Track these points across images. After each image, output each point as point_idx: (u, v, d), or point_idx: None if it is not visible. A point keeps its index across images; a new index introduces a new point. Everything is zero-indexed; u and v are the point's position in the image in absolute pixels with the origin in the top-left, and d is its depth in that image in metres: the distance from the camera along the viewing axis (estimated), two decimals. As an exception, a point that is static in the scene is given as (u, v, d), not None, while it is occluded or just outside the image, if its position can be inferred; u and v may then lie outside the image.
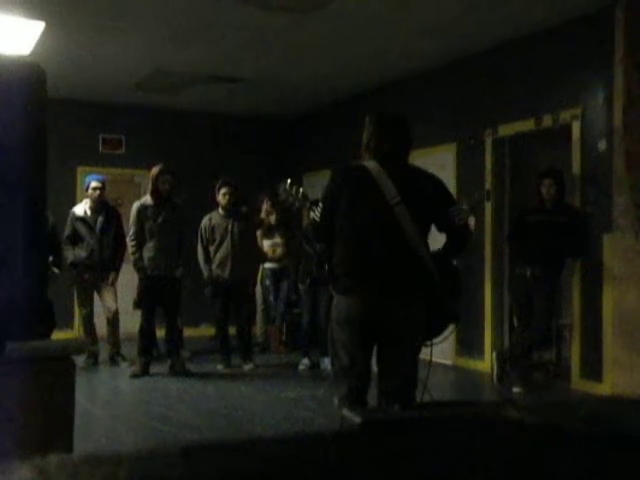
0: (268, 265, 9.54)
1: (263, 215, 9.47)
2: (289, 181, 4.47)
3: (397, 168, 4.03)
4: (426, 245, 4.01)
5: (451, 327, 4.31)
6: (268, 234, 9.44)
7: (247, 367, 8.35)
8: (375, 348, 4.09)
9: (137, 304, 7.97)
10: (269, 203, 9.37)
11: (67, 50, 8.43)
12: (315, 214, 4.11)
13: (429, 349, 4.14)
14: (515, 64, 8.07)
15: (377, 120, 4.14)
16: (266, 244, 9.42)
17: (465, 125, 8.71)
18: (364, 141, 4.13)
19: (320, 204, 4.11)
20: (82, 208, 8.53)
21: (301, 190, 4.42)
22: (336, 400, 4.12)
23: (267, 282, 9.62)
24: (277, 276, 9.55)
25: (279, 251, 9.41)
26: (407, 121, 4.19)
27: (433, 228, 4.16)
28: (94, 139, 11.11)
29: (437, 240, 4.20)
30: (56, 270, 8.10)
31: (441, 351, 4.25)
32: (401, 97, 9.47)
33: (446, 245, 4.17)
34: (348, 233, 3.99)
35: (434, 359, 4.14)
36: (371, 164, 4.00)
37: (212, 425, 5.97)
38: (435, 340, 4.16)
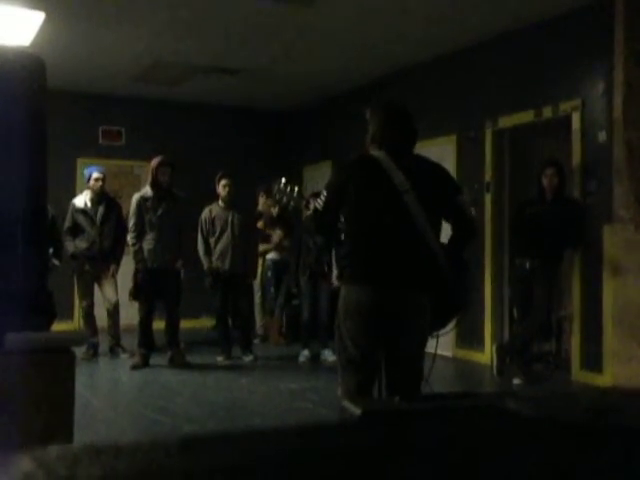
0: (270, 256, 9.56)
1: (261, 208, 9.50)
2: (283, 180, 4.41)
3: (404, 157, 4.01)
4: (437, 234, 3.99)
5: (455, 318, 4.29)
6: (269, 226, 9.47)
7: (247, 359, 8.36)
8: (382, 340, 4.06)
9: (134, 295, 7.97)
10: (265, 197, 9.42)
11: (67, 41, 8.42)
12: (317, 203, 4.07)
13: (432, 341, 4.12)
14: (515, 55, 8.06)
15: (384, 111, 4.12)
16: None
17: (465, 117, 8.71)
18: (370, 132, 4.09)
19: (324, 193, 4.07)
20: (82, 200, 8.53)
21: (296, 189, 4.37)
22: (340, 391, 4.09)
23: (269, 274, 9.64)
24: (279, 268, 9.56)
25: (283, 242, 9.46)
26: (409, 112, 4.18)
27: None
28: (94, 131, 11.11)
29: (445, 234, 4.18)
30: (56, 262, 8.11)
31: (441, 343, 4.22)
32: (401, 89, 9.45)
33: (454, 235, 4.14)
34: (357, 223, 3.97)
35: (432, 350, 4.13)
36: (378, 154, 3.98)
37: (212, 416, 5.98)
38: (442, 331, 4.13)
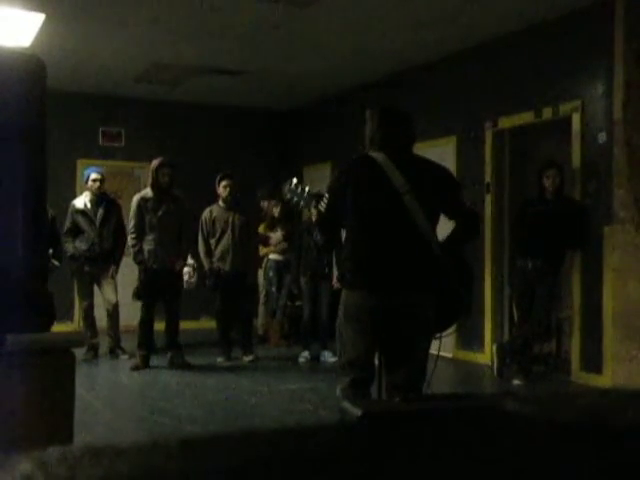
0: (272, 257, 9.58)
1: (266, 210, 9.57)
2: (294, 180, 4.44)
3: (404, 158, 4.01)
4: (435, 234, 3.99)
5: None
6: (270, 227, 9.51)
7: (247, 359, 8.35)
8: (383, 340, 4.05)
9: (137, 295, 7.96)
10: (272, 201, 9.50)
11: (67, 42, 8.42)
12: (321, 206, 4.08)
13: (435, 342, 4.11)
14: (515, 56, 8.06)
15: (381, 114, 4.12)
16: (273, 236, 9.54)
17: (465, 118, 8.71)
18: (368, 135, 4.09)
19: (326, 195, 4.08)
20: (82, 201, 8.53)
21: (306, 189, 4.39)
22: (340, 392, 4.09)
23: (270, 274, 9.64)
24: (280, 268, 9.57)
25: (281, 245, 9.50)
26: (409, 115, 4.19)
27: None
28: (94, 132, 11.11)
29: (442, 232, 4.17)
30: (56, 262, 8.11)
31: (441, 344, 4.22)
32: (401, 90, 9.45)
33: (455, 233, 4.14)
34: (356, 225, 3.97)
35: (435, 352, 4.13)
36: (377, 155, 3.98)
37: (212, 417, 5.98)
38: (444, 333, 4.13)
